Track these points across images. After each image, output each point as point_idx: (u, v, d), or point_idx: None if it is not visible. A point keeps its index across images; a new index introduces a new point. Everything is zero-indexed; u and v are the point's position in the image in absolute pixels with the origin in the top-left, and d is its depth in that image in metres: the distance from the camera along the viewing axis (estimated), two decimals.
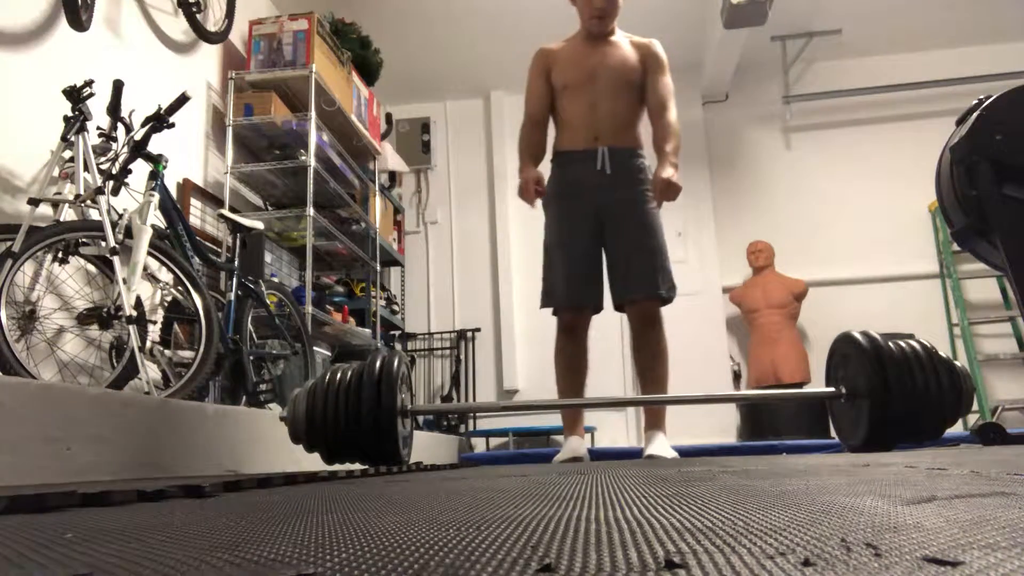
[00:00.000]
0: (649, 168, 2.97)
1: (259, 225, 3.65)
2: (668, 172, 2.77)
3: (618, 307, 3.00)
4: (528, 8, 5.49)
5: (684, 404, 2.57)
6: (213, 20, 4.24)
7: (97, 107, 2.89)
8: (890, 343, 2.07)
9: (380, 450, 2.01)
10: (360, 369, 2.06)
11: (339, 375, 2.07)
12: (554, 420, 4.72)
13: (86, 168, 2.74)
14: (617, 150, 2.93)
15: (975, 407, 5.67)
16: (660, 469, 1.59)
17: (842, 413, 2.24)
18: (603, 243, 2.97)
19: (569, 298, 2.97)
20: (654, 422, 2.89)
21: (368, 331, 5.12)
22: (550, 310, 3.02)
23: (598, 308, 3.00)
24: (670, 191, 2.76)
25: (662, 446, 2.79)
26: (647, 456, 2.76)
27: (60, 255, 2.66)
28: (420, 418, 5.80)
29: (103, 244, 2.66)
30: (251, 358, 3.41)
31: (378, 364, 2.04)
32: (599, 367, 6.10)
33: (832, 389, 2.23)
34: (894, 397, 1.97)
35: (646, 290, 2.87)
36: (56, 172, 2.76)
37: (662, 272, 2.89)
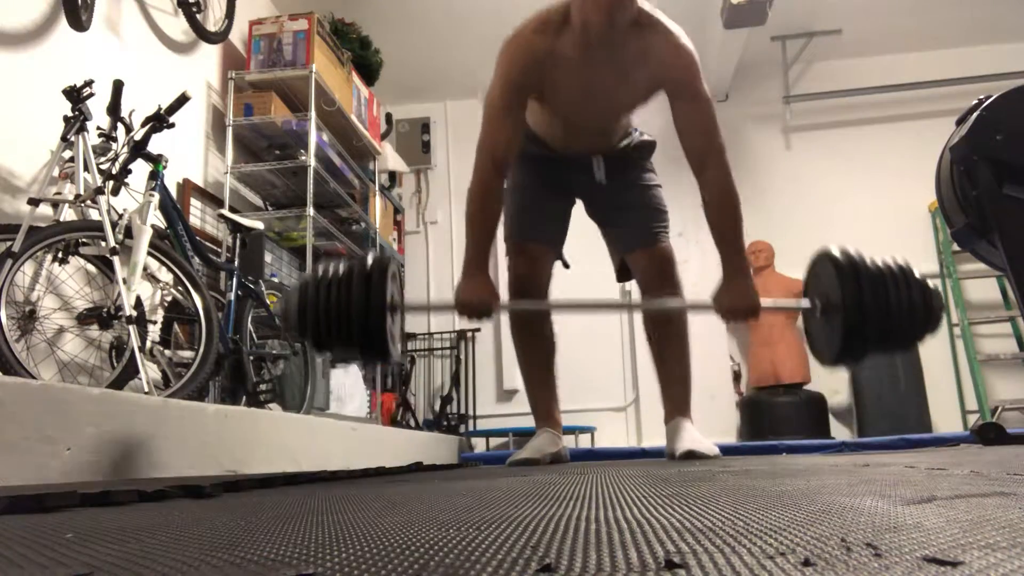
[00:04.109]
0: (640, 134, 2.43)
1: (259, 225, 3.65)
2: (745, 285, 2.15)
3: (621, 273, 2.50)
4: (529, 8, 5.48)
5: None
6: (213, 20, 4.24)
7: (97, 107, 2.88)
8: (865, 258, 2.05)
9: (369, 342, 1.96)
10: (351, 264, 2.02)
11: (331, 269, 2.02)
12: None
13: (86, 168, 2.74)
14: (613, 155, 2.39)
15: (975, 407, 5.67)
16: (660, 469, 1.59)
17: (817, 329, 2.21)
18: (576, 202, 2.47)
19: (519, 231, 2.37)
20: (677, 405, 2.38)
21: None
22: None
23: (558, 251, 2.46)
24: (750, 313, 2.12)
25: (693, 438, 2.26)
26: (677, 454, 2.22)
27: (60, 255, 2.65)
28: (420, 418, 5.81)
29: (103, 244, 2.66)
30: (251, 358, 3.41)
31: (369, 260, 2.00)
32: (598, 367, 6.06)
33: (808, 303, 2.21)
34: (867, 310, 1.96)
35: (656, 235, 2.37)
36: (56, 172, 2.76)
37: (665, 228, 2.42)
